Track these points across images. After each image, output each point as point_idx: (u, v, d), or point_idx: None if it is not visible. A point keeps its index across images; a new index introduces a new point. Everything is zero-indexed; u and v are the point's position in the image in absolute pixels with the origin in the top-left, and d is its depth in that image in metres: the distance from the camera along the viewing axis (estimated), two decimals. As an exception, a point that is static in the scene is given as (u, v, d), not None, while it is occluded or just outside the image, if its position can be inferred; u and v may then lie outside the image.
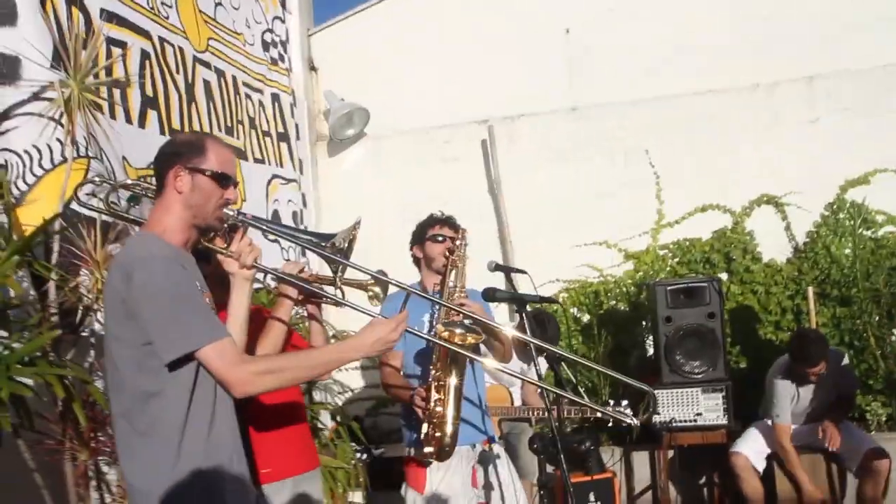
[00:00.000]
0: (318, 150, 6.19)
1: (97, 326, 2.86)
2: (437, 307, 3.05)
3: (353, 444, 4.25)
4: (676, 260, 5.66)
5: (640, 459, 4.93)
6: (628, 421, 2.52)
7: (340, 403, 5.07)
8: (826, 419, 4.19)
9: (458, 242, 2.97)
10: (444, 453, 2.68)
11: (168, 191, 1.97)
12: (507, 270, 3.22)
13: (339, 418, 4.44)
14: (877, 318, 5.19)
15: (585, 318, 5.69)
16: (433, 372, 2.75)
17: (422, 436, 2.77)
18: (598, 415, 3.57)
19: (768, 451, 4.35)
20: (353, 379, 5.56)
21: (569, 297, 5.76)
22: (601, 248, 5.73)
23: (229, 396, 1.93)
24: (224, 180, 2.00)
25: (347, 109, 5.83)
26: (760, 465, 4.32)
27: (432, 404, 2.69)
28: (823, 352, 4.16)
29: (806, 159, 5.50)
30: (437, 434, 2.67)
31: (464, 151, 5.94)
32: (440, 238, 3.11)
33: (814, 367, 4.13)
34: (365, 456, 4.14)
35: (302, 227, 5.28)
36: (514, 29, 5.92)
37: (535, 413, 4.29)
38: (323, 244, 2.14)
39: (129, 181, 2.19)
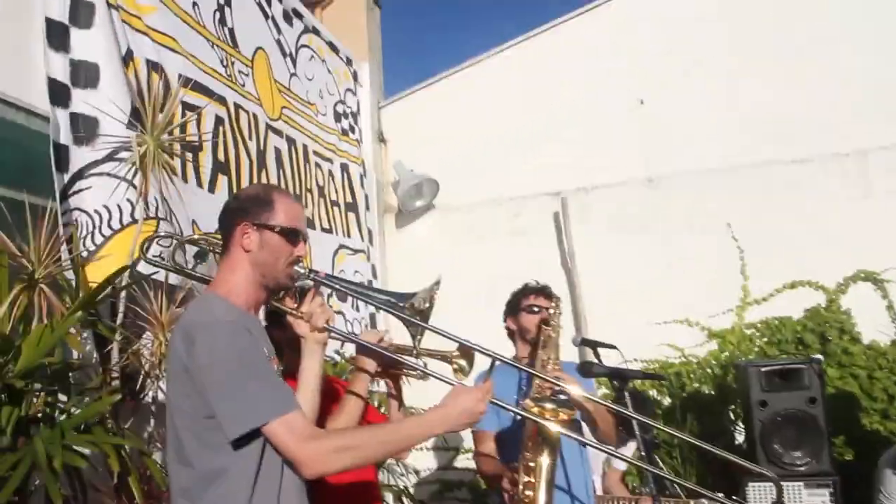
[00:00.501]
0: (385, 221, 6.12)
1: (159, 394, 2.71)
2: (527, 384, 2.84)
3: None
4: (765, 340, 5.27)
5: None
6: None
7: (402, 486, 4.79)
8: None
9: (552, 311, 2.75)
10: None
11: (234, 249, 1.85)
12: (595, 345, 2.98)
13: (404, 501, 4.15)
14: None
15: (667, 401, 5.31)
16: (523, 452, 2.48)
17: None
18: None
19: (883, 556, 3.84)
20: (416, 460, 5.28)
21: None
22: (681, 327, 5.40)
23: (298, 475, 1.73)
24: (294, 236, 1.87)
25: (416, 181, 5.76)
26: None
27: (521, 487, 2.41)
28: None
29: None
30: None
31: (535, 224, 5.77)
32: (536, 309, 2.92)
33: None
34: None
35: (376, 286, 5.14)
36: (586, 99, 5.82)
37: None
38: (401, 304, 1.96)
39: (195, 236, 2.07)
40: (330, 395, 2.12)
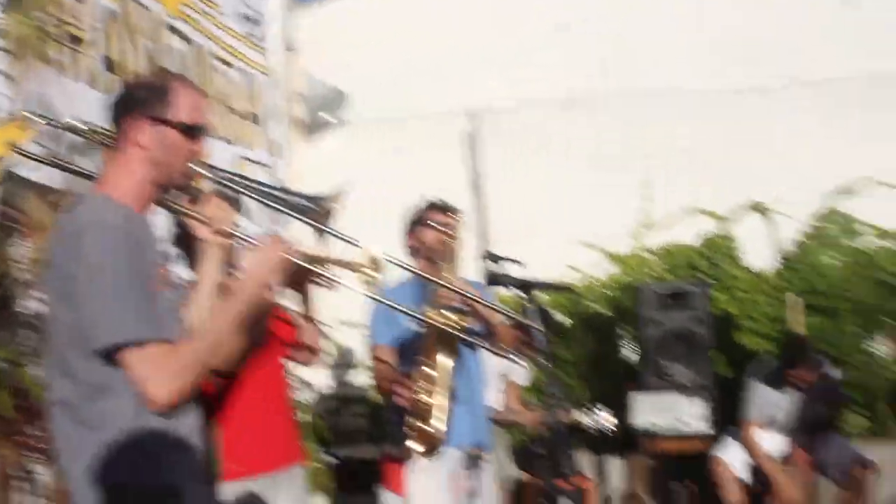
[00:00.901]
0: (293, 135, 5.93)
1: (35, 303, 2.56)
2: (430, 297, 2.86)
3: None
4: (662, 265, 5.49)
5: (617, 467, 4.74)
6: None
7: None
8: (799, 435, 4.08)
9: (457, 225, 2.76)
10: (432, 449, 2.45)
11: (126, 144, 1.70)
12: (502, 260, 3.03)
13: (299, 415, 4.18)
14: (858, 330, 5.09)
15: (567, 321, 5.50)
16: (421, 360, 2.52)
17: (406, 430, 2.54)
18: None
19: (748, 458, 4.19)
20: (311, 376, 5.30)
21: (548, 298, 5.55)
22: (584, 250, 5.54)
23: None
24: (195, 132, 1.72)
25: (327, 93, 5.59)
26: (743, 473, 4.16)
27: (418, 393, 2.46)
28: (810, 357, 4.05)
29: (794, 166, 5.38)
30: (424, 427, 2.43)
31: (446, 142, 5.72)
32: (437, 225, 2.91)
33: (799, 370, 4.01)
34: (329, 457, 3.86)
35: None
36: (505, 19, 5.73)
37: (514, 418, 4.08)
38: (313, 207, 1.89)
39: (76, 124, 1.90)
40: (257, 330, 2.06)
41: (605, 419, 4.03)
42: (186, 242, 1.91)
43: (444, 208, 3.01)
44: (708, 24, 5.59)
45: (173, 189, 1.79)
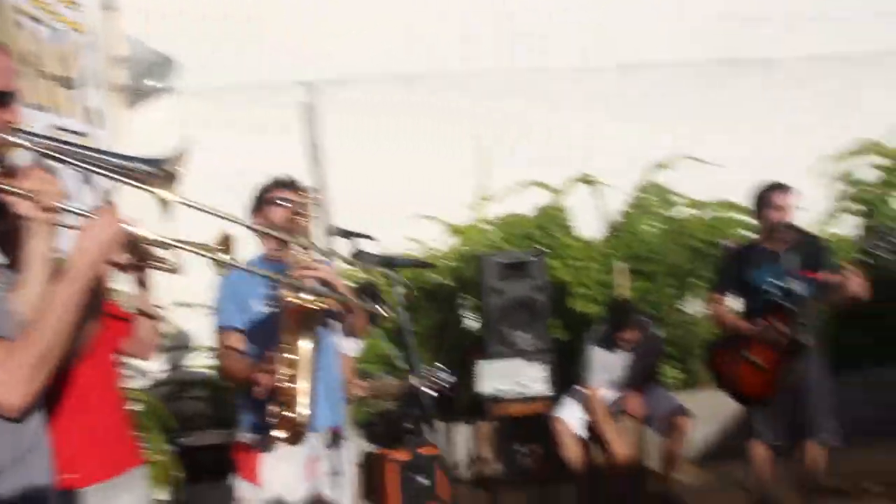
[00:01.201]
0: (114, 103, 5.45)
1: None
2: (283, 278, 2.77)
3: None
4: (500, 235, 5.69)
5: (463, 433, 4.90)
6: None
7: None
8: (630, 389, 4.43)
9: (306, 202, 2.67)
10: (297, 435, 2.38)
11: None
12: (350, 235, 2.97)
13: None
14: (673, 291, 5.60)
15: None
16: (280, 344, 2.42)
17: (268, 418, 2.45)
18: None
19: (586, 417, 4.49)
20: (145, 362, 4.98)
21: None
22: (427, 222, 5.62)
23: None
24: (6, 98, 1.53)
25: (152, 58, 5.19)
26: (581, 431, 4.45)
27: (280, 378, 2.37)
28: (635, 319, 4.38)
29: (619, 142, 5.77)
30: (289, 414, 2.35)
31: (283, 114, 5.52)
32: (284, 201, 2.81)
33: (626, 332, 4.33)
34: (174, 447, 3.65)
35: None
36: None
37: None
38: (155, 172, 1.71)
39: None
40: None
41: (443, 378, 4.16)
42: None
43: (292, 185, 2.92)
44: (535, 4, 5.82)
45: None
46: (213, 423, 4.64)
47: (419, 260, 4.18)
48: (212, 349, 4.99)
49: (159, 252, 2.03)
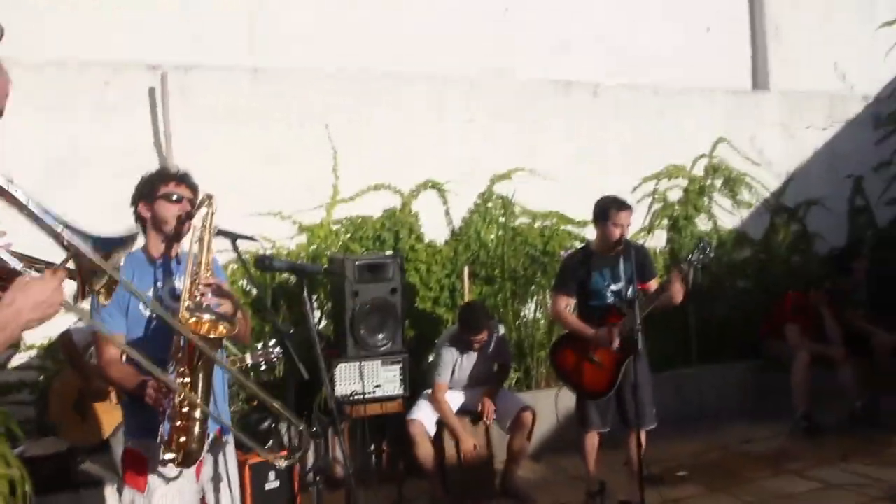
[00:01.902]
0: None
1: None
2: (162, 276, 2.64)
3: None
4: (349, 236, 5.73)
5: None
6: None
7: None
8: (483, 393, 4.70)
9: (207, 210, 2.58)
10: (190, 459, 2.29)
11: None
12: (234, 237, 2.91)
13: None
14: (511, 295, 5.98)
15: (255, 292, 5.42)
16: (175, 364, 2.32)
17: (158, 438, 2.33)
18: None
19: (437, 416, 4.68)
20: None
21: (238, 269, 5.41)
22: (275, 219, 5.51)
23: None
24: None
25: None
26: (432, 430, 4.63)
27: (176, 403, 2.27)
28: (486, 322, 4.64)
29: (465, 152, 6.05)
30: (183, 439, 2.26)
31: (127, 97, 5.14)
32: (176, 197, 2.68)
33: (478, 334, 4.58)
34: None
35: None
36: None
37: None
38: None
39: None
40: None
41: (274, 353, 4.19)
42: None
43: (183, 180, 2.81)
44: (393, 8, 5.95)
45: None
46: (41, 429, 4.27)
47: (326, 268, 4.18)
48: (47, 349, 4.58)
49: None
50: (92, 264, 1.59)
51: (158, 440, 2.35)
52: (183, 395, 2.27)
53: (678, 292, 4.20)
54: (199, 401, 2.28)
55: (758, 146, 7.12)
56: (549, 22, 6.46)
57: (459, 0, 6.14)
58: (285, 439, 4.61)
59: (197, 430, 2.27)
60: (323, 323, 5.39)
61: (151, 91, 5.21)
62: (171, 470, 2.55)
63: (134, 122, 5.15)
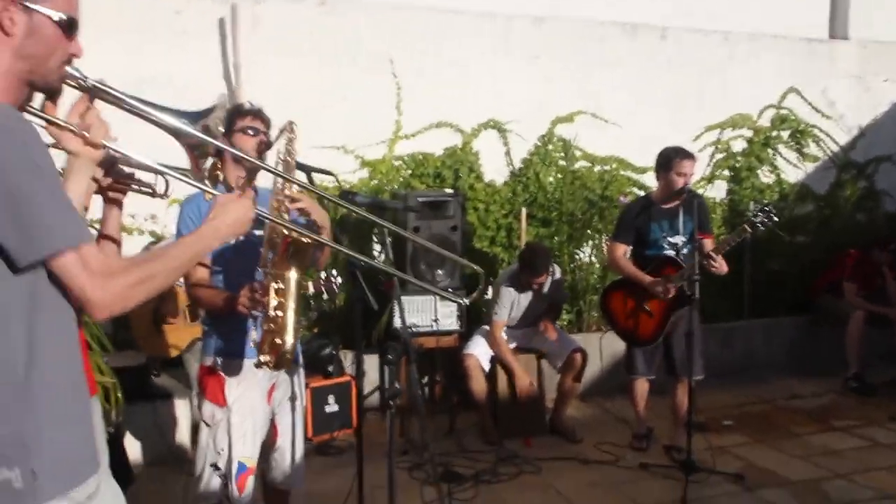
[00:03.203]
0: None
1: None
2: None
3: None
4: (410, 172, 5.79)
5: (374, 363, 5.07)
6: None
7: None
8: (544, 319, 4.81)
9: (288, 136, 2.66)
10: (283, 361, 2.44)
11: None
12: (310, 170, 2.99)
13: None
14: (567, 238, 6.01)
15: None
16: (267, 271, 2.45)
17: (252, 342, 2.49)
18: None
19: (492, 353, 4.81)
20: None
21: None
22: (338, 153, 5.60)
23: (73, 317, 1.51)
24: (72, 29, 1.52)
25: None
26: (486, 366, 4.77)
27: (271, 309, 2.41)
28: (547, 264, 4.70)
29: (528, 93, 6.01)
30: (277, 341, 2.40)
31: (198, 26, 5.23)
32: (251, 131, 2.79)
33: (538, 276, 4.65)
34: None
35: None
36: None
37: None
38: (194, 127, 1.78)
39: None
40: None
41: (335, 282, 4.32)
42: None
43: (257, 114, 2.90)
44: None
45: (42, 92, 1.57)
46: (117, 343, 4.51)
47: (408, 205, 4.30)
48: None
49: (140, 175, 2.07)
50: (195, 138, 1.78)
51: (252, 344, 2.49)
52: (276, 300, 2.40)
53: (720, 267, 4.16)
54: (291, 303, 2.40)
55: (829, 98, 6.90)
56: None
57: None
58: (345, 364, 4.80)
59: (289, 334, 2.40)
60: (382, 257, 5.51)
61: (221, 21, 5.27)
62: (248, 387, 2.72)
63: (205, 51, 5.24)
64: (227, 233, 1.73)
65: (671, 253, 4.39)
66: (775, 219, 4.13)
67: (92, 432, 1.55)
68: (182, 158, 1.87)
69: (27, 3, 1.44)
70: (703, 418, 4.93)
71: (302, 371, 3.03)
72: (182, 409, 4.34)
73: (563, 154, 6.11)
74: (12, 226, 1.32)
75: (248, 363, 2.70)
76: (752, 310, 6.43)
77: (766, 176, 6.76)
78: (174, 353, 4.54)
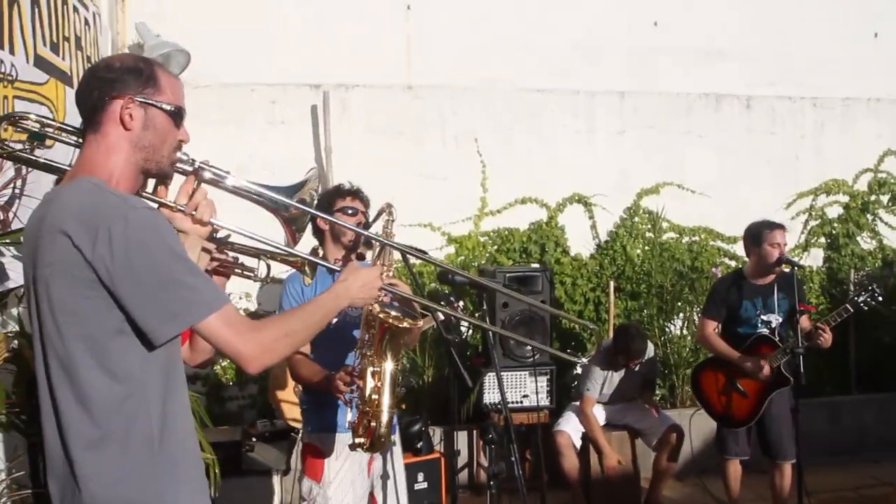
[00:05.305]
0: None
1: None
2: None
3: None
4: (496, 248, 5.85)
5: (464, 439, 5.02)
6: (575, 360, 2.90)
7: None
8: (644, 396, 4.73)
9: (386, 218, 2.75)
10: (377, 444, 2.46)
11: (110, 126, 1.58)
12: (405, 251, 3.06)
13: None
14: (657, 310, 5.87)
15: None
16: (363, 353, 2.50)
17: (347, 423, 2.52)
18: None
19: (583, 430, 4.69)
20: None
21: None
22: (425, 230, 5.72)
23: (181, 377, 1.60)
24: (180, 117, 1.67)
25: (164, 48, 5.10)
26: (578, 443, 4.64)
27: (367, 392, 2.44)
28: (644, 347, 4.59)
29: (612, 165, 6.04)
30: (373, 424, 2.43)
31: (292, 114, 5.55)
32: (351, 211, 2.90)
33: (634, 360, 4.55)
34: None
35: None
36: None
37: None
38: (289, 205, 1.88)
39: (28, 114, 1.71)
40: None
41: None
42: None
43: (356, 194, 3.01)
44: (554, 25, 6.02)
45: (155, 178, 1.72)
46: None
47: (515, 289, 4.37)
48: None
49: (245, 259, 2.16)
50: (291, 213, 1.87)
51: (347, 426, 2.53)
52: (372, 383, 2.43)
53: (825, 342, 3.98)
54: (387, 390, 2.43)
55: (931, 160, 6.62)
56: (698, 32, 6.28)
57: (607, 14, 6.10)
58: (435, 441, 4.77)
59: (384, 416, 2.42)
60: (469, 332, 5.53)
61: (314, 108, 5.57)
62: (346, 462, 2.74)
63: (298, 136, 5.53)
64: (356, 295, 1.86)
65: (765, 331, 4.21)
66: (880, 298, 3.93)
67: (209, 500, 1.62)
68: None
69: (142, 98, 1.59)
70: (814, 502, 4.60)
71: (399, 445, 3.03)
72: (277, 485, 4.38)
73: (649, 226, 6.05)
74: (158, 308, 1.44)
75: (346, 437, 2.73)
76: (860, 384, 6.06)
77: (866, 242, 6.47)
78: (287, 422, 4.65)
